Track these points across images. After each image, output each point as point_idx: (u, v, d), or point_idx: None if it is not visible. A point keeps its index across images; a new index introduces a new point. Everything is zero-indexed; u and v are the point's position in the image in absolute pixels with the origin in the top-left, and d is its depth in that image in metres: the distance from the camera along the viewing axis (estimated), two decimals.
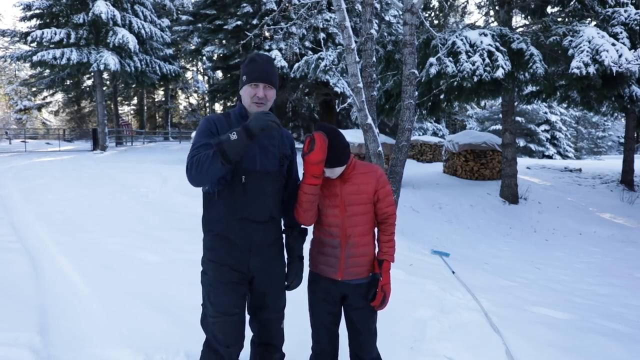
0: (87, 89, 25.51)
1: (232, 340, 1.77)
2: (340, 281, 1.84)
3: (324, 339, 1.91)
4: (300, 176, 1.92)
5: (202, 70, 32.72)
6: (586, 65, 7.06)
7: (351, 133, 11.88)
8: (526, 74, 8.65)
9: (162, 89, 32.48)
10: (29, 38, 16.85)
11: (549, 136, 28.99)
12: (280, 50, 17.17)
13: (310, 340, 1.98)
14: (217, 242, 1.77)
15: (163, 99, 35.07)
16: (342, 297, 1.89)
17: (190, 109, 36.93)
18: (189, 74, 32.23)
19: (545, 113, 28.28)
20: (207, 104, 33.73)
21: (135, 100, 35.86)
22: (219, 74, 24.37)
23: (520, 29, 10.28)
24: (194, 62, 32.95)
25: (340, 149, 1.74)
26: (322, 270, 1.88)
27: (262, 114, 1.57)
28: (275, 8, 15.74)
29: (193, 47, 22.78)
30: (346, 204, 1.81)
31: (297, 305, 2.26)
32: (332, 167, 1.75)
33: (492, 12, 11.59)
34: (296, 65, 10.51)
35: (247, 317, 1.93)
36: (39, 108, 30.76)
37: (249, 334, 1.96)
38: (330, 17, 16.53)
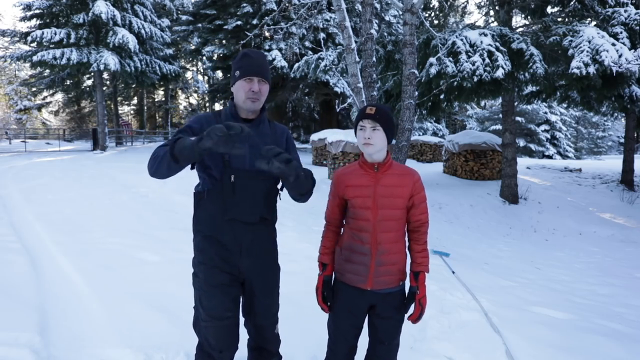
0: (87, 89, 25.52)
1: (224, 345, 1.72)
2: (369, 291, 1.72)
3: (343, 352, 1.80)
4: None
5: (202, 70, 32.74)
6: (586, 65, 7.06)
7: (351, 133, 11.88)
8: (526, 74, 8.64)
9: (162, 89, 32.46)
10: (29, 38, 16.85)
11: (549, 136, 28.99)
12: (280, 50, 17.19)
13: (310, 341, 1.96)
14: (206, 243, 1.72)
15: (163, 99, 35.06)
16: (370, 307, 1.77)
17: (190, 109, 36.95)
18: (189, 74, 32.23)
19: (545, 113, 28.29)
20: (207, 104, 33.73)
21: (135, 100, 35.87)
22: (219, 74, 24.42)
23: (520, 29, 10.28)
24: (194, 62, 32.97)
25: (390, 117, 1.69)
26: (350, 280, 1.75)
27: (221, 131, 1.33)
28: (275, 8, 15.75)
29: (193, 47, 22.82)
30: (379, 206, 1.69)
31: (297, 306, 2.26)
32: (375, 121, 1.64)
33: (492, 12, 11.58)
34: (296, 65, 10.51)
35: (242, 319, 1.88)
36: (39, 108, 30.77)
37: (246, 335, 1.94)
38: (330, 17, 16.55)
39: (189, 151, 1.42)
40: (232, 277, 1.73)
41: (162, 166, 1.51)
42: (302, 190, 1.69)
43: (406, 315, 1.76)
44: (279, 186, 1.82)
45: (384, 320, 1.75)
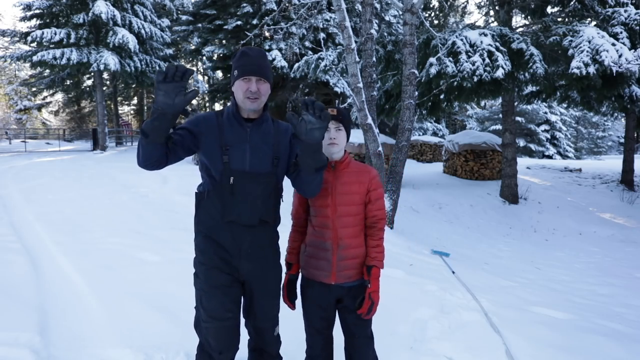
0: (87, 89, 25.50)
1: (224, 347, 1.71)
2: (333, 285, 1.78)
3: (318, 344, 1.87)
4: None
5: (202, 70, 32.67)
6: (586, 65, 7.07)
7: (351, 133, 11.87)
8: (526, 74, 8.65)
9: None
10: (29, 38, 16.84)
11: (549, 136, 29.00)
12: (280, 50, 17.18)
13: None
14: (207, 244, 1.71)
15: None
16: (337, 300, 1.83)
17: (190, 109, 36.91)
18: None
19: (545, 113, 28.29)
20: (207, 104, 33.71)
21: (135, 100, 35.85)
22: (219, 74, 24.40)
23: (520, 29, 10.29)
24: (194, 62, 32.92)
25: (349, 118, 1.82)
26: (315, 275, 1.81)
27: (158, 76, 1.35)
28: (275, 8, 15.75)
29: (193, 47, 22.79)
30: (337, 203, 1.76)
31: (297, 306, 2.26)
32: (338, 121, 1.76)
33: (492, 12, 11.59)
34: (296, 65, 10.51)
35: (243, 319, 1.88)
36: (39, 108, 30.74)
37: (247, 335, 1.94)
38: (330, 17, 16.53)
39: (151, 120, 1.43)
40: (232, 278, 1.72)
41: (141, 150, 1.51)
42: (319, 162, 1.58)
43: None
44: (279, 189, 1.80)
45: (352, 313, 1.81)
